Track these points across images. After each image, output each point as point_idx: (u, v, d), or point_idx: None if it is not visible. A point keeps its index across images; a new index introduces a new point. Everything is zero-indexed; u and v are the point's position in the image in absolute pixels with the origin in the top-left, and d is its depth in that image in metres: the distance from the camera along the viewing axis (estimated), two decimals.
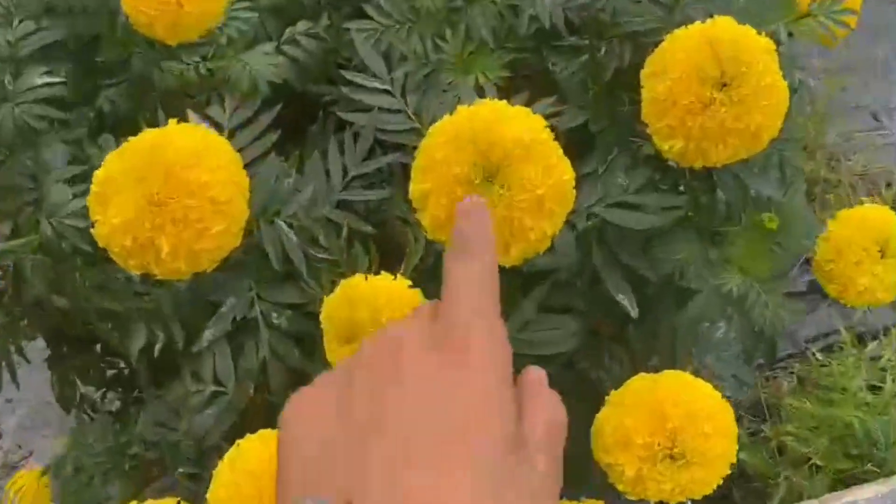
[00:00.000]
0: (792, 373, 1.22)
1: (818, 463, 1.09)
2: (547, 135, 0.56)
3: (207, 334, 0.66)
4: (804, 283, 1.21)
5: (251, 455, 0.58)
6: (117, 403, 0.97)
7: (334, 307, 0.57)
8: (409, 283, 0.58)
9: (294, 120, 0.89)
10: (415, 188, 0.58)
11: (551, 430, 0.32)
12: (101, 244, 0.58)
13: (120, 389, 0.96)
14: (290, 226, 0.66)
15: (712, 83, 0.59)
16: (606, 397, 0.68)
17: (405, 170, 0.76)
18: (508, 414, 0.31)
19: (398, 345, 0.31)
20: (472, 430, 0.29)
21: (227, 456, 0.60)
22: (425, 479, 0.27)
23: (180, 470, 0.74)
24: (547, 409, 0.33)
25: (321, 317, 0.59)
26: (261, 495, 0.56)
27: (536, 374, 0.35)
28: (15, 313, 0.81)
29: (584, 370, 0.76)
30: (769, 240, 0.74)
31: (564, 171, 0.56)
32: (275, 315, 0.66)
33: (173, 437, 0.72)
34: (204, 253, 0.57)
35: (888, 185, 1.43)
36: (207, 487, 0.72)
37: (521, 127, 0.56)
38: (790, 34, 0.74)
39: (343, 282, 0.59)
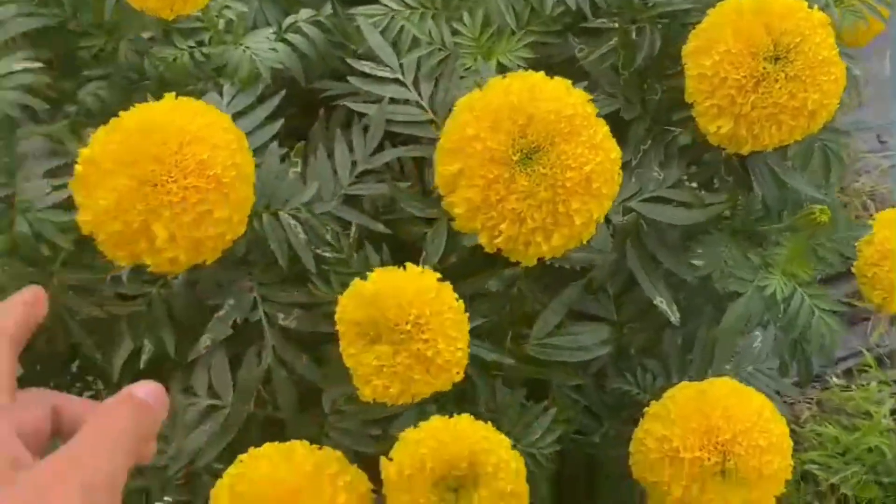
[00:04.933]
0: (810, 399, 1.16)
1: (846, 492, 1.03)
2: (592, 109, 0.51)
3: (205, 339, 0.59)
4: None
5: (257, 475, 0.50)
6: None
7: (353, 307, 0.50)
8: (439, 275, 0.51)
9: (294, 119, 0.83)
10: (442, 171, 0.52)
11: None
12: (84, 232, 0.51)
13: None
14: (297, 220, 0.60)
15: (764, 57, 0.54)
16: (646, 409, 0.61)
17: (417, 165, 0.71)
18: None
19: None
20: None
21: (226, 476, 0.52)
22: None
23: (167, 499, 0.66)
24: None
25: (337, 318, 0.52)
26: None
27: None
28: None
29: (615, 384, 0.69)
30: (813, 240, 0.68)
31: (611, 148, 0.51)
32: (281, 316, 0.59)
33: (159, 461, 0.64)
34: (206, 241, 0.50)
35: None
36: None
37: (563, 100, 0.50)
38: None
39: (357, 280, 0.52)
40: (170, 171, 0.48)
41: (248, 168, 0.51)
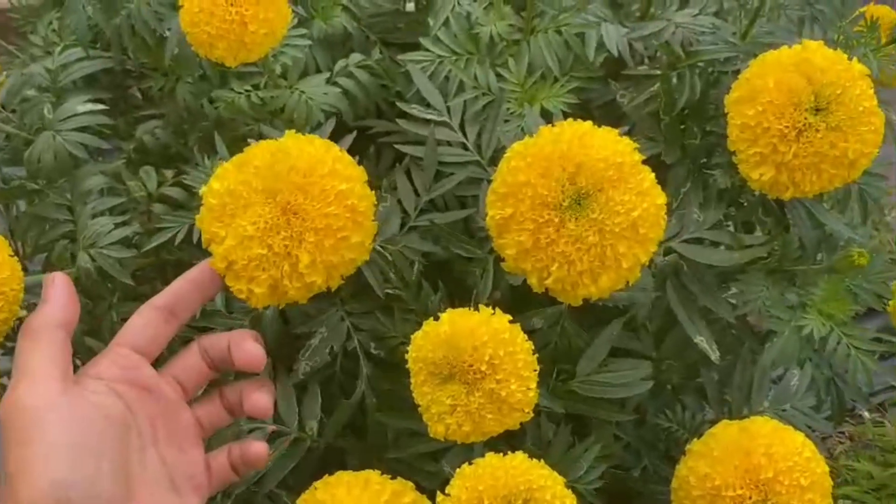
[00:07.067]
0: (842, 432, 1.16)
1: None
2: (638, 157, 0.53)
3: (303, 366, 0.61)
4: None
5: (334, 502, 0.52)
6: None
7: (428, 347, 0.52)
8: (510, 317, 0.53)
9: None
10: (494, 214, 0.54)
11: None
12: (219, 262, 0.53)
13: None
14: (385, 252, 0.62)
15: (806, 108, 0.56)
16: (688, 447, 0.63)
17: (462, 204, 0.73)
18: None
19: None
20: None
21: (300, 502, 0.54)
22: None
23: None
24: None
25: (410, 357, 0.54)
26: None
27: None
28: None
29: (654, 420, 0.71)
30: (849, 281, 0.70)
31: (658, 194, 0.53)
32: (373, 346, 0.62)
33: None
34: (340, 266, 0.53)
35: None
36: None
37: (612, 148, 0.52)
38: None
39: (431, 321, 0.54)
40: (311, 201, 0.52)
41: (372, 198, 0.55)
